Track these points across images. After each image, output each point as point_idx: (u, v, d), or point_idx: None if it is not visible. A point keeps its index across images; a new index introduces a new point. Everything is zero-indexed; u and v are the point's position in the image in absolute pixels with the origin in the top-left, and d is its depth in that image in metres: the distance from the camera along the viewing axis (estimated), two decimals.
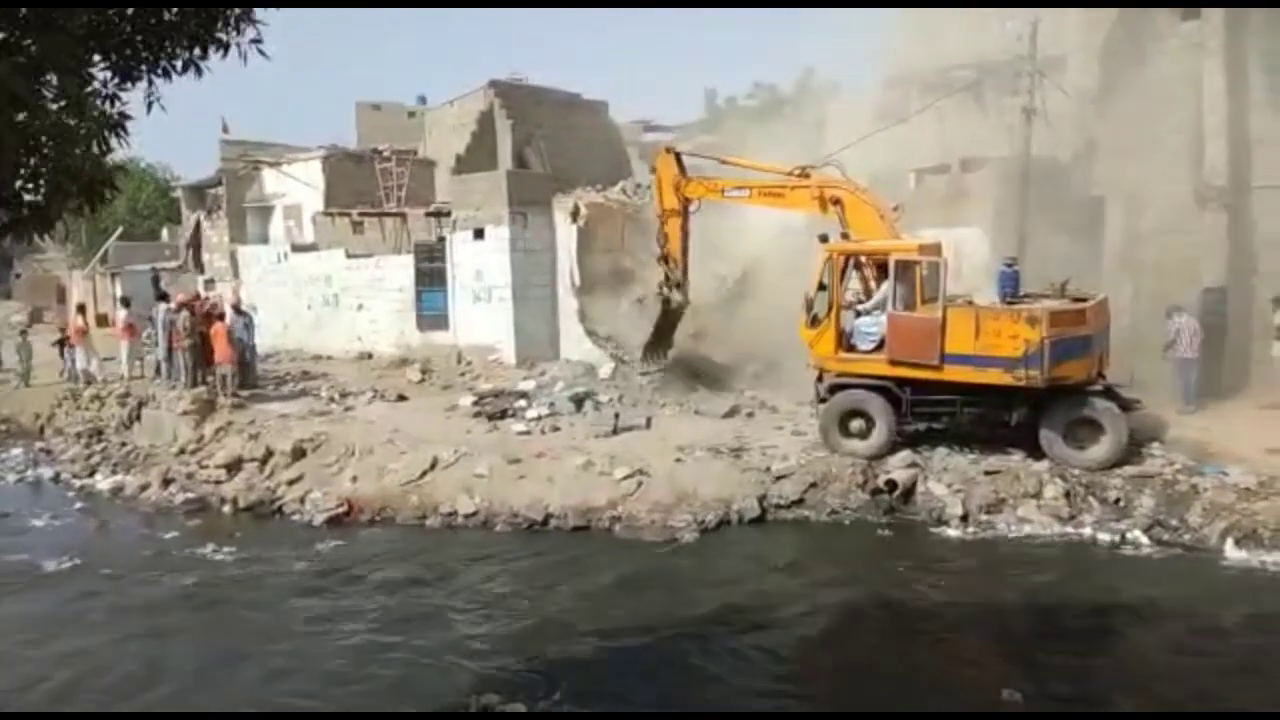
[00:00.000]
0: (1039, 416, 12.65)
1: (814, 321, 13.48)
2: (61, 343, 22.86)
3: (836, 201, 13.90)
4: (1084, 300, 12.92)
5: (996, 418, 12.91)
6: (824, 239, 13.71)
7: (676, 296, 16.35)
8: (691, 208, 15.69)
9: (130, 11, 4.38)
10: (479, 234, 19.82)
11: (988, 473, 12.49)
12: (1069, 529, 11.61)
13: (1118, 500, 11.91)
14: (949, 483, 12.46)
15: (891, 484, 12.48)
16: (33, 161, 4.27)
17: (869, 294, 13.57)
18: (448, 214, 20.95)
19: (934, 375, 12.69)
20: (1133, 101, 16.89)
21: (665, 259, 16.17)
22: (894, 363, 12.92)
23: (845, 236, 13.91)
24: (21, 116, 4.08)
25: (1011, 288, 12.79)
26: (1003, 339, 12.19)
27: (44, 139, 4.21)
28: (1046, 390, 12.32)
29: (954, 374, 12.58)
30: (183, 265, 29.19)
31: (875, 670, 8.74)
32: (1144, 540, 11.25)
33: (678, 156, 15.93)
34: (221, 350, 17.29)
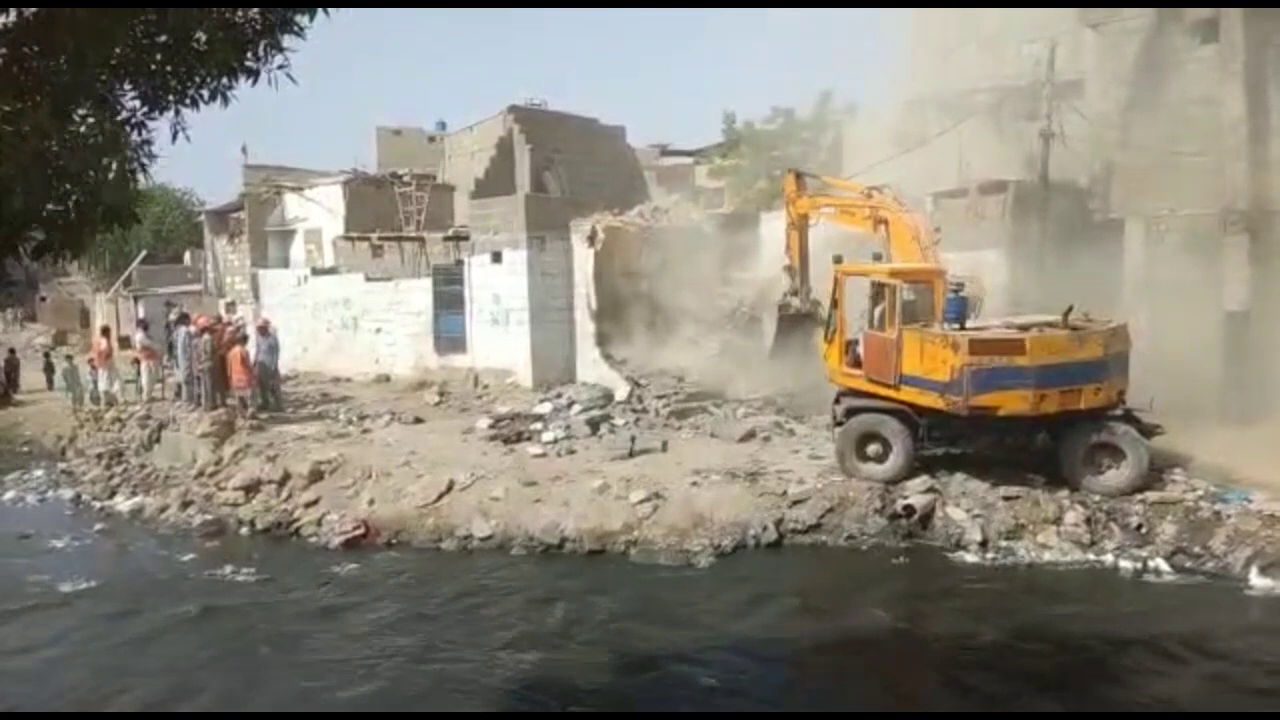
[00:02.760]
0: (1059, 442, 12.58)
1: (832, 337, 14.04)
2: (47, 357, 23.08)
3: (884, 222, 14.34)
4: (1080, 329, 12.73)
5: (1016, 443, 12.84)
6: (838, 260, 14.18)
7: (795, 302, 16.78)
8: (811, 221, 16.39)
9: (161, 40, 4.47)
10: (497, 257, 19.94)
11: (1007, 498, 12.37)
12: (1090, 556, 11.47)
13: (1139, 527, 11.77)
14: (968, 508, 12.35)
15: (909, 509, 12.38)
16: (64, 188, 4.33)
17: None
18: (466, 238, 21.10)
19: (893, 394, 12.96)
20: (1152, 125, 16.84)
21: (789, 268, 16.92)
22: (870, 380, 13.31)
23: (877, 257, 14.11)
24: (54, 145, 4.16)
25: (956, 312, 12.82)
26: (937, 363, 12.37)
27: (73, 168, 4.28)
28: (1062, 415, 12.25)
29: (907, 394, 12.83)
30: (205, 289, 29.54)
31: (892, 698, 8.65)
32: (1166, 568, 11.11)
33: (798, 175, 16.77)
34: (239, 374, 17.41)
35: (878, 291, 13.36)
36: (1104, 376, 12.41)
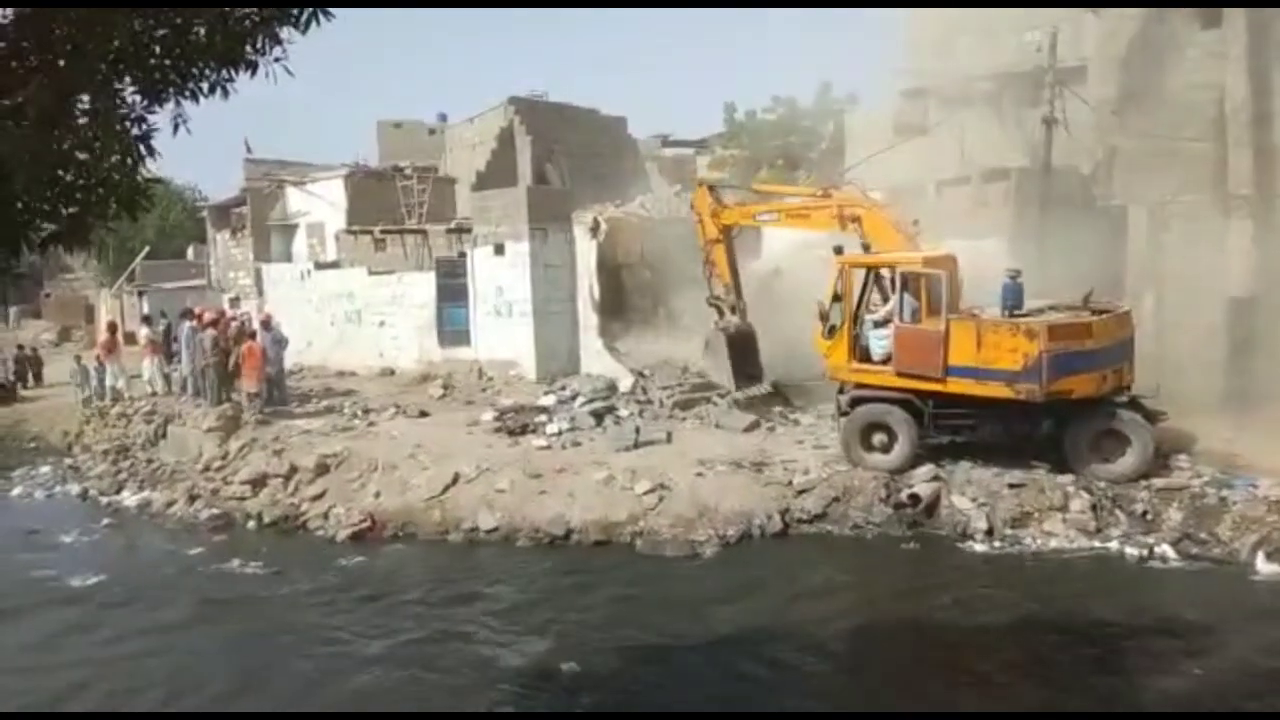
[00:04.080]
0: (1064, 429, 12.55)
1: (831, 332, 13.64)
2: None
3: (855, 219, 14.13)
4: (1104, 312, 12.79)
5: (1021, 430, 12.83)
6: (838, 251, 13.87)
7: (734, 320, 16.53)
8: (734, 233, 16.15)
9: (160, 34, 4.46)
10: (499, 250, 19.92)
11: (1012, 486, 12.37)
12: (1096, 543, 11.47)
13: (1145, 513, 11.77)
14: (973, 496, 12.36)
15: (914, 498, 12.39)
16: (68, 177, 4.34)
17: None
18: (468, 230, 21.08)
19: (938, 387, 12.69)
20: (1154, 111, 16.78)
21: (719, 298, 16.50)
22: (901, 374, 12.97)
23: (866, 249, 13.96)
24: (55, 132, 4.16)
25: (1014, 300, 12.71)
26: (1002, 352, 12.16)
27: (78, 154, 4.29)
28: (1069, 403, 12.24)
29: (957, 386, 12.57)
30: (209, 284, 29.62)
31: (896, 688, 8.66)
32: (1172, 554, 11.09)
33: (712, 188, 16.41)
34: (253, 368, 17.41)
35: (904, 283, 12.90)
36: (1133, 355, 12.83)
